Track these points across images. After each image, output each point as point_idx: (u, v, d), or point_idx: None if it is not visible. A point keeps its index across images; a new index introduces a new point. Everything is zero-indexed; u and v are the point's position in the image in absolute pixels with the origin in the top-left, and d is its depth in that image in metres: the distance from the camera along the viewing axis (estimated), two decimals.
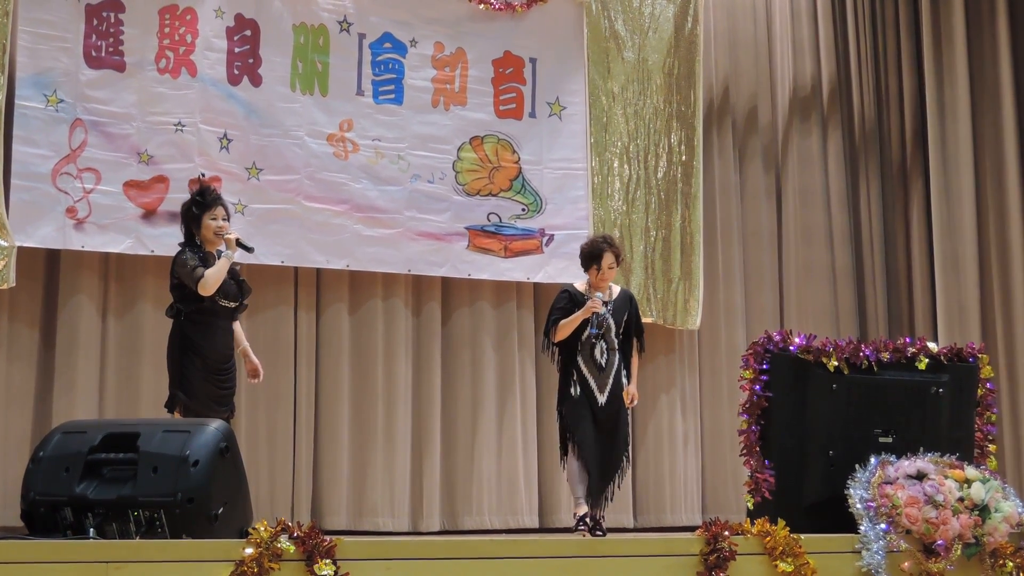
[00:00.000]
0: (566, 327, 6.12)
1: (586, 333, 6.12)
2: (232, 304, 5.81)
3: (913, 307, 9.16)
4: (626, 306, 6.30)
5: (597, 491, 6.05)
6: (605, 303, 6.16)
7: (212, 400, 5.70)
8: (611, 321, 6.18)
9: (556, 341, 6.18)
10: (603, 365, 6.13)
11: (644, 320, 6.71)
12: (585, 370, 6.12)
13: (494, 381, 8.19)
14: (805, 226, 9.20)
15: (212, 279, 5.65)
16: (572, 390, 6.11)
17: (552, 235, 8.27)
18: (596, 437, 6.05)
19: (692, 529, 6.05)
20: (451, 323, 8.22)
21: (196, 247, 5.81)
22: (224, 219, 5.90)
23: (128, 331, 7.31)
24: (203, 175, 7.10)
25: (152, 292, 7.30)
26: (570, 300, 6.20)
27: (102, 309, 7.29)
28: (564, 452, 6.18)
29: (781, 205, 9.26)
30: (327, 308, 7.87)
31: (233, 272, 5.89)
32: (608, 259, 6.22)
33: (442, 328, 8.16)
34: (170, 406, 5.72)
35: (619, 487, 6.25)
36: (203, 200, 5.84)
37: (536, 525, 8.12)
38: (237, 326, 5.97)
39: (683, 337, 8.72)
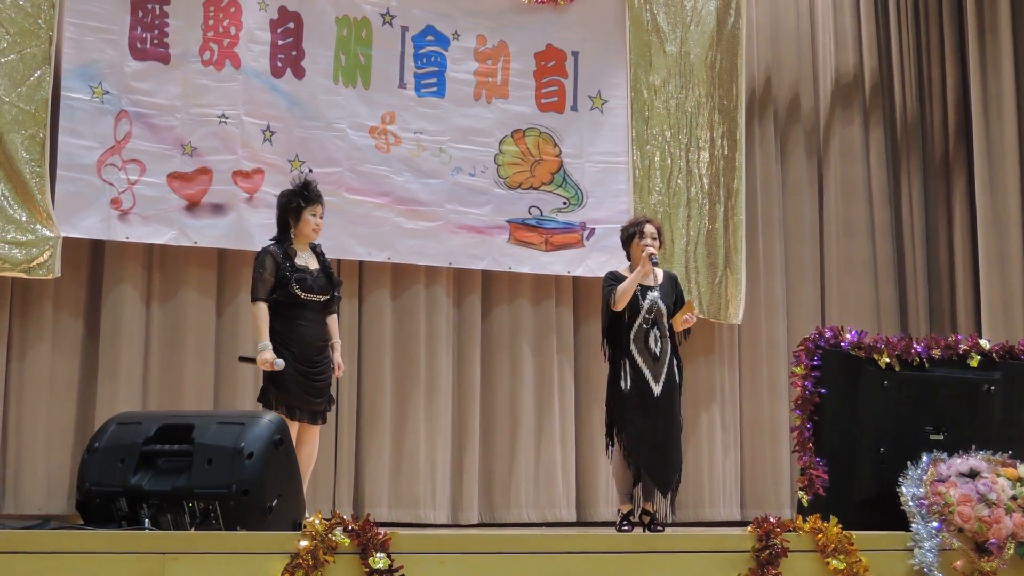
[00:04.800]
0: (625, 293, 6.02)
1: (639, 322, 6.04)
2: (320, 298, 5.77)
3: (955, 302, 9.09)
4: (672, 288, 6.24)
5: (661, 483, 5.99)
6: (653, 261, 6.06)
7: (305, 392, 5.69)
8: (662, 306, 6.11)
9: (619, 310, 6.03)
10: (658, 354, 6.03)
11: None
12: (640, 360, 6.02)
13: (532, 375, 8.17)
14: (847, 219, 9.15)
15: (256, 310, 5.67)
16: (623, 383, 6.02)
17: (593, 229, 8.24)
18: (651, 430, 5.97)
19: (731, 524, 6.00)
20: (491, 317, 8.20)
21: (287, 243, 5.78)
22: (321, 216, 5.89)
23: (171, 321, 7.33)
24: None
25: (195, 282, 7.34)
26: (617, 278, 6.15)
27: (146, 299, 7.31)
28: (609, 444, 6.14)
29: (823, 198, 9.21)
30: (369, 298, 7.87)
31: (323, 264, 5.88)
32: (649, 228, 6.18)
33: (482, 322, 8.16)
34: (263, 400, 5.69)
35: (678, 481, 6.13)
36: (308, 194, 5.83)
37: (573, 519, 8.11)
38: (332, 320, 5.92)
39: (723, 330, 8.69)
